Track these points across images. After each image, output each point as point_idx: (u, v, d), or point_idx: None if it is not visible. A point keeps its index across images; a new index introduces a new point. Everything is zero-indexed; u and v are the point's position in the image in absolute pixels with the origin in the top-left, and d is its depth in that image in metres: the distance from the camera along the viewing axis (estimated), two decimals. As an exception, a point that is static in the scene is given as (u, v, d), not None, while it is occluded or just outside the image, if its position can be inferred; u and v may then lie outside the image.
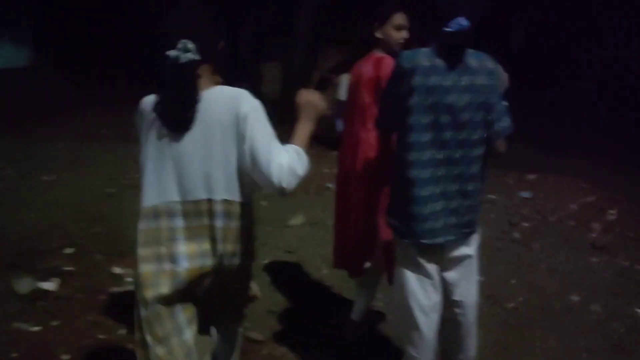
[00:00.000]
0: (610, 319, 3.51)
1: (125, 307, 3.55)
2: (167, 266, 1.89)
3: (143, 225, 1.94)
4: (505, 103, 2.35)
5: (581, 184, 7.02)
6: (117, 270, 4.02)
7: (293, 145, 1.90)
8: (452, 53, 2.24)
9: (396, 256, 2.52)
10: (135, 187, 6.06)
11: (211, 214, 1.88)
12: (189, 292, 1.92)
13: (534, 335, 3.32)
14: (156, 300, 1.88)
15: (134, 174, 6.52)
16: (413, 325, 2.44)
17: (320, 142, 9.54)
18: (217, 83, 1.91)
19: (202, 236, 1.89)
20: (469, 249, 2.42)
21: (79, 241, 4.51)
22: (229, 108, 1.83)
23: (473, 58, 2.26)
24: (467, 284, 2.46)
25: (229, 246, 1.91)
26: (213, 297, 2.04)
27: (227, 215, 1.89)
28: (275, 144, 1.85)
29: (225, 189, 1.87)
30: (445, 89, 2.23)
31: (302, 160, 1.87)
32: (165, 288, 1.87)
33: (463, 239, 2.39)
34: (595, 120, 9.72)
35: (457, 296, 2.46)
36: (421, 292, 2.42)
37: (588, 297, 3.77)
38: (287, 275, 4.07)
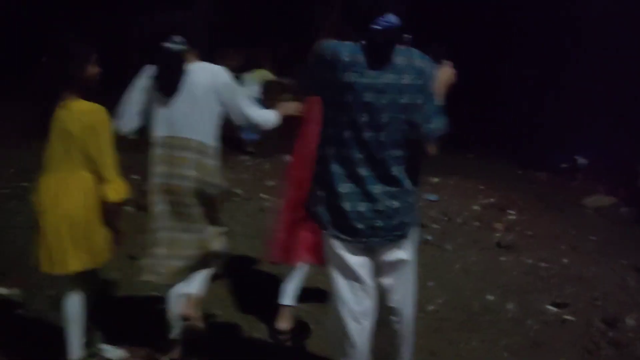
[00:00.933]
0: (525, 316, 3.59)
1: (13, 332, 3.15)
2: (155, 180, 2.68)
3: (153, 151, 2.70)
4: (438, 103, 2.25)
5: (480, 186, 7.30)
6: (1, 290, 3.56)
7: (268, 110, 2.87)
8: (378, 51, 2.13)
9: (325, 255, 2.39)
10: (14, 196, 5.53)
11: (186, 148, 2.63)
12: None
13: (458, 337, 3.31)
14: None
15: (12, 182, 5.91)
16: (344, 332, 2.32)
17: (224, 145, 9.25)
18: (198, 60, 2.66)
19: (176, 163, 2.63)
20: (404, 253, 2.32)
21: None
22: (209, 78, 2.62)
23: (400, 55, 2.14)
24: (403, 290, 2.37)
25: (200, 172, 2.64)
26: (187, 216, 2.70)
27: (199, 151, 2.64)
28: (249, 103, 2.77)
29: (201, 134, 2.64)
30: (362, 87, 2.11)
31: (270, 115, 2.83)
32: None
33: (395, 243, 2.29)
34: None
35: (392, 302, 2.36)
36: (351, 297, 2.30)
37: (503, 296, 3.84)
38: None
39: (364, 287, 2.29)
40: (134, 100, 2.68)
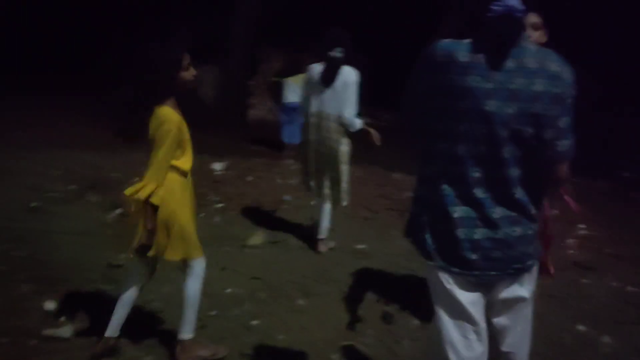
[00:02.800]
0: (627, 353, 3.17)
1: (63, 355, 2.88)
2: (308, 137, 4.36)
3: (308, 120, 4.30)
4: (568, 119, 1.84)
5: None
6: (49, 305, 3.28)
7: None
8: (497, 46, 1.77)
9: (430, 290, 2.03)
10: (63, 200, 5.31)
11: (329, 119, 4.14)
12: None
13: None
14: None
15: (61, 186, 5.69)
16: None
17: (268, 148, 8.98)
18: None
19: (323, 129, 4.19)
20: (523, 289, 1.94)
21: (-1, 268, 3.72)
22: (346, 77, 4.10)
23: (531, 56, 1.77)
24: (519, 332, 2.00)
25: (336, 135, 4.17)
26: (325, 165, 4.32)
27: (336, 121, 4.13)
28: (354, 107, 4.13)
29: (339, 110, 4.10)
30: (484, 93, 1.75)
31: (359, 123, 4.13)
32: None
33: (514, 277, 1.92)
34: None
35: (505, 347, 1.99)
36: (461, 341, 1.93)
37: (595, 327, 3.42)
38: (257, 308, 3.48)
39: (477, 329, 1.92)
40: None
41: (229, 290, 3.67)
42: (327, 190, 4.34)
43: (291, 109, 8.61)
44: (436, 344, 1.98)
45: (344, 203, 4.40)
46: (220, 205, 5.56)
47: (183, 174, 2.67)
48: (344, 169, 4.25)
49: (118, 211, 5.04)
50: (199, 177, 6.42)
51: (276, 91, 9.30)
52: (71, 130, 8.41)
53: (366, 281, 3.90)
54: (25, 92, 10.29)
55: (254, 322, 3.26)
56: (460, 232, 1.84)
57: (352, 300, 3.62)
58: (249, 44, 11.97)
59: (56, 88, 10.37)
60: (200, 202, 5.57)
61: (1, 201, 5.10)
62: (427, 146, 1.92)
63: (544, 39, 2.68)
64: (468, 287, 1.90)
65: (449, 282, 1.91)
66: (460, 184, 1.83)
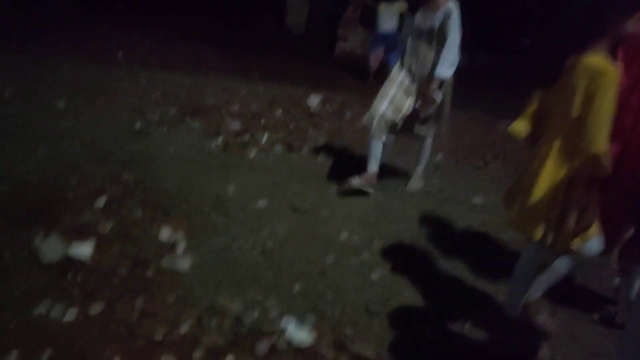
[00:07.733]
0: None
1: (186, 291, 2.77)
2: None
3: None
4: None
5: None
6: (164, 234, 3.16)
7: None
8: None
9: None
10: (165, 123, 5.19)
11: None
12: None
13: None
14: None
15: (162, 108, 5.58)
16: None
17: (356, 79, 8.67)
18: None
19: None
20: None
21: (111, 190, 3.62)
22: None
23: None
24: None
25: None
26: None
27: None
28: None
29: None
30: None
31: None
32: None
33: None
34: None
35: None
36: None
37: None
38: (375, 259, 3.25)
39: None
40: None
41: (343, 235, 3.44)
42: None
43: (385, 38, 8.26)
44: None
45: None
46: (322, 142, 5.30)
47: None
48: None
49: (220, 139, 4.89)
50: (297, 110, 6.21)
51: (369, 19, 9.00)
52: (170, 52, 8.32)
53: (489, 239, 3.60)
54: (127, 11, 10.23)
55: (375, 275, 3.03)
56: None
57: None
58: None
59: (163, 9, 10.24)
60: (301, 137, 5.35)
61: (107, 122, 5.05)
62: None
63: None
64: None
65: None
66: None
